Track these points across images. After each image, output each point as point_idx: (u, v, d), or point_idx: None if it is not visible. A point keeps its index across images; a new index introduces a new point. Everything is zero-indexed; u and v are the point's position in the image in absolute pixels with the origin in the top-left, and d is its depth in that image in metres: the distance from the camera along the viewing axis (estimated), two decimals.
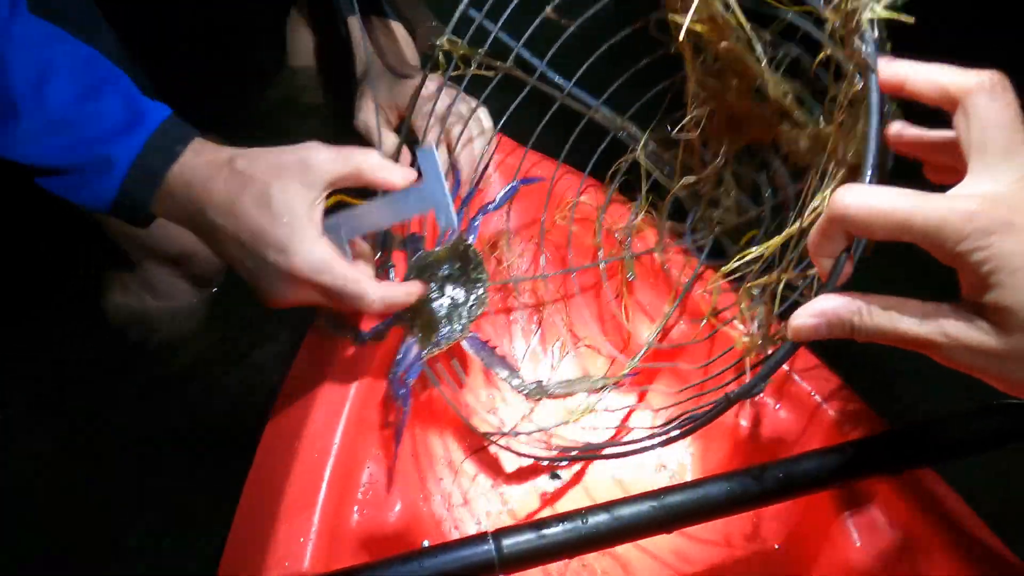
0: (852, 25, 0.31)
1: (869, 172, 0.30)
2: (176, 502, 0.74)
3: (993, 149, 0.27)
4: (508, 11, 0.54)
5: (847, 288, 0.30)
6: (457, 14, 0.54)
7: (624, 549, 0.52)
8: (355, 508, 0.52)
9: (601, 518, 0.42)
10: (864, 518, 0.50)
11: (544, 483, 0.60)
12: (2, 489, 0.76)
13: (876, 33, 0.30)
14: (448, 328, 0.52)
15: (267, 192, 0.44)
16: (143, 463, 0.77)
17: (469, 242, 0.55)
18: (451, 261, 0.54)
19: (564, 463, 0.58)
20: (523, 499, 0.59)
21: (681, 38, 0.46)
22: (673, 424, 0.44)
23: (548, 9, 0.54)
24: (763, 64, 0.41)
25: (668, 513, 0.42)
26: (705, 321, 0.55)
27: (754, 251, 0.40)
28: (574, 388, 0.54)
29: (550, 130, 0.62)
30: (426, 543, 0.45)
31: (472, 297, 0.53)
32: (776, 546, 0.56)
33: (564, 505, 0.47)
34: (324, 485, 0.49)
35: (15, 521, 0.74)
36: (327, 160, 0.45)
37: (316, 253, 0.44)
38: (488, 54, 0.57)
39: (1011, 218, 0.25)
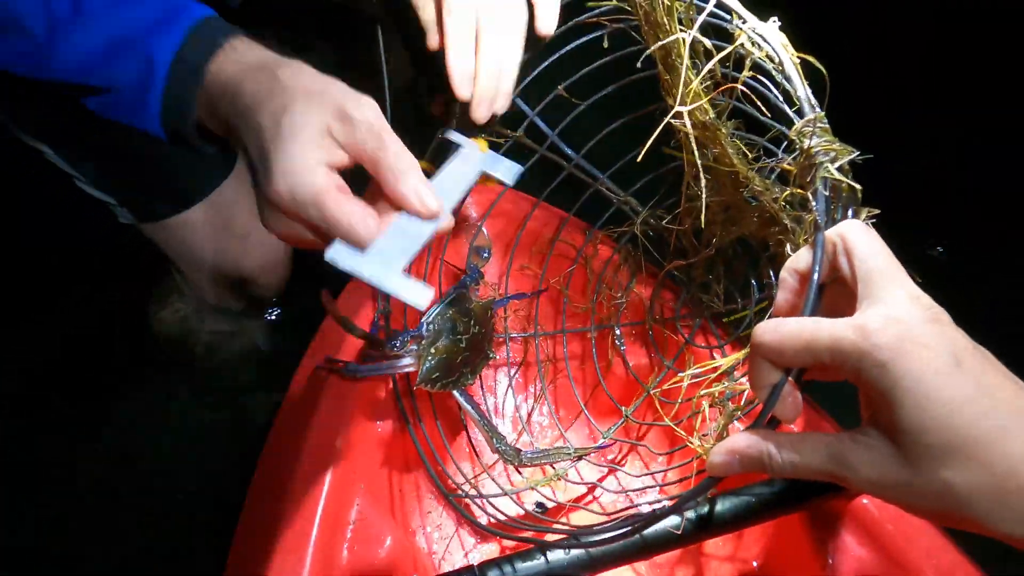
0: (807, 180, 0.33)
1: (808, 310, 0.31)
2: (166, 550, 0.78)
3: (880, 275, 0.28)
4: (526, 81, 0.59)
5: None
6: None
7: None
8: (345, 545, 0.54)
9: (584, 546, 0.44)
10: (837, 539, 0.53)
11: (529, 511, 0.63)
12: None
13: (827, 191, 0.32)
14: (448, 376, 0.55)
15: (289, 108, 0.39)
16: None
17: (493, 313, 0.60)
18: (479, 321, 0.58)
19: (507, 536, 0.59)
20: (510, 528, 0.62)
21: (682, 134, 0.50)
22: (618, 521, 0.45)
23: (560, 88, 0.60)
24: (749, 170, 0.45)
25: (652, 540, 0.45)
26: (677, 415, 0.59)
27: (719, 362, 0.45)
28: (548, 459, 0.58)
29: (552, 185, 0.68)
30: None
31: (479, 365, 0.58)
32: (755, 564, 0.59)
33: (550, 535, 0.49)
34: (316, 524, 0.51)
35: None
36: (363, 126, 0.39)
37: (305, 184, 0.38)
38: (501, 122, 0.61)
39: (907, 336, 0.26)
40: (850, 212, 0.40)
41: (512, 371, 0.70)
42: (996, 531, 0.26)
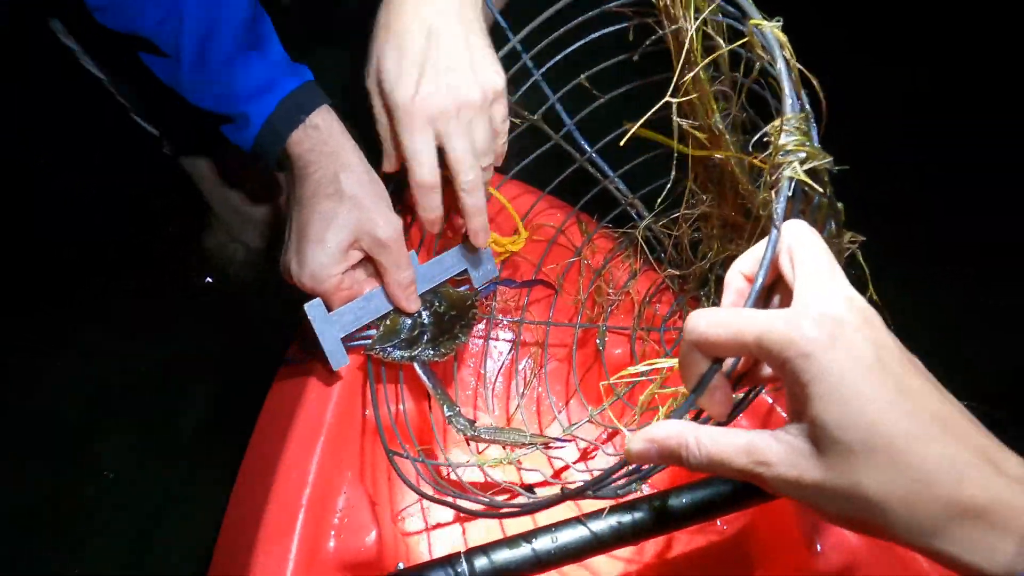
0: (773, 179, 0.33)
1: (749, 306, 0.30)
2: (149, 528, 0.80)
3: (818, 275, 0.28)
4: (550, 64, 0.61)
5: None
6: (504, 50, 0.61)
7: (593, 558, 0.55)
8: (332, 534, 0.56)
9: (570, 534, 0.46)
10: (824, 524, 0.54)
11: (519, 500, 0.64)
12: None
13: (791, 191, 0.32)
14: (408, 349, 0.59)
15: (334, 220, 0.54)
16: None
17: (474, 307, 0.62)
18: (450, 306, 0.61)
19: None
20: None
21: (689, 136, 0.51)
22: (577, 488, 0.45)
23: (582, 77, 0.62)
24: (747, 184, 0.46)
25: (635, 526, 0.46)
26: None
27: (667, 362, 0.46)
28: (501, 438, 0.59)
29: (560, 177, 0.70)
30: (401, 566, 0.49)
31: (445, 345, 0.60)
32: (740, 550, 0.60)
33: (539, 521, 0.50)
34: (302, 513, 0.53)
35: None
36: (377, 246, 0.56)
37: (319, 285, 0.56)
38: (518, 103, 0.64)
39: (836, 332, 0.26)
40: (832, 227, 0.39)
41: (504, 355, 0.72)
42: (904, 540, 0.26)
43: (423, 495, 0.52)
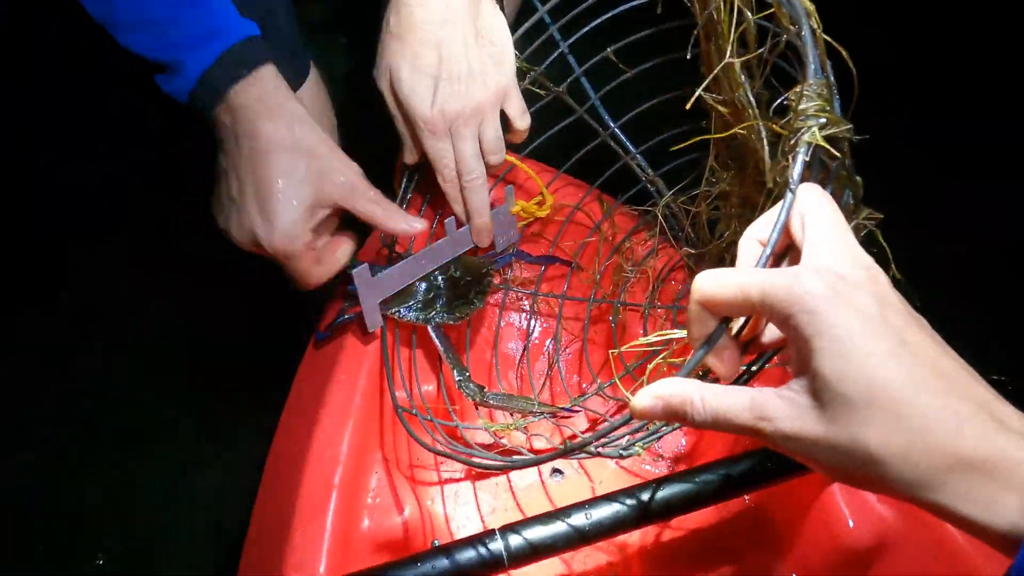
0: (791, 144, 0.33)
1: (759, 266, 0.31)
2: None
3: (827, 236, 0.29)
4: (577, 35, 0.62)
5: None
6: (532, 20, 0.63)
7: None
8: (365, 513, 0.57)
9: (604, 510, 0.47)
10: (857, 498, 0.55)
11: (547, 478, 0.66)
12: None
13: (808, 156, 0.32)
14: (423, 311, 0.61)
15: (293, 169, 0.53)
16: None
17: (489, 274, 0.64)
18: (466, 272, 0.63)
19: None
20: (528, 494, 0.65)
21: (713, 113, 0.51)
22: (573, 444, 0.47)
23: (609, 50, 0.62)
24: (767, 159, 0.46)
25: (666, 503, 0.47)
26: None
27: (676, 333, 0.48)
28: (510, 405, 0.60)
29: (582, 152, 0.70)
30: (436, 543, 0.49)
31: (459, 310, 0.62)
32: (770, 524, 0.61)
33: (569, 498, 0.51)
34: (335, 492, 0.54)
35: None
36: (347, 191, 0.55)
37: (288, 247, 0.54)
38: (544, 74, 0.64)
39: (840, 288, 0.27)
40: (849, 200, 0.39)
41: (517, 327, 0.73)
42: (903, 494, 0.27)
43: (431, 449, 0.54)
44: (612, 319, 0.70)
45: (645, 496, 0.47)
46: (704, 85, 0.45)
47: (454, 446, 0.55)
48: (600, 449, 0.47)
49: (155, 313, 0.91)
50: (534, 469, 0.65)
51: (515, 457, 0.50)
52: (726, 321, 0.31)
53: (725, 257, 0.64)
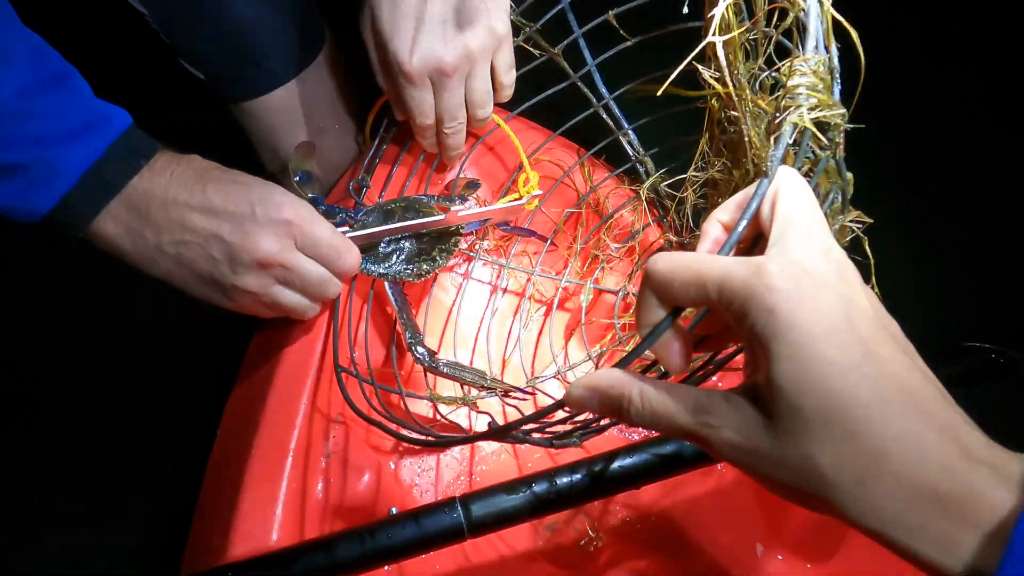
0: (775, 123, 0.31)
1: (724, 253, 0.28)
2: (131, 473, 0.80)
3: (797, 225, 0.27)
4: None
5: None
6: None
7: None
8: (321, 477, 0.56)
9: (569, 478, 0.46)
10: None
11: (515, 446, 0.66)
12: None
13: (792, 139, 0.30)
14: (382, 264, 0.60)
15: (265, 186, 0.52)
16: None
17: (457, 233, 0.63)
18: (435, 232, 0.62)
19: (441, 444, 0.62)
20: (495, 460, 0.65)
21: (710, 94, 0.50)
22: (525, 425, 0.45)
23: (610, 14, 0.61)
24: (760, 147, 0.45)
25: (635, 470, 0.47)
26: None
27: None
28: (460, 375, 0.59)
29: (572, 122, 0.69)
30: (394, 510, 0.49)
31: (420, 267, 0.61)
32: (750, 492, 0.61)
33: (538, 465, 0.51)
34: (290, 456, 0.53)
35: None
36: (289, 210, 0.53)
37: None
38: (539, 31, 0.63)
39: (805, 286, 0.25)
40: (836, 198, 0.37)
41: (481, 298, 0.72)
42: (856, 523, 0.25)
43: (361, 415, 0.52)
44: (583, 300, 0.69)
45: (614, 464, 0.46)
46: (692, 57, 0.42)
47: (390, 415, 0.53)
48: (531, 436, 0.45)
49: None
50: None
51: (443, 435, 0.49)
52: (678, 311, 0.28)
53: None
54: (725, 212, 0.31)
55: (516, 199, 0.67)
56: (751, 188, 0.29)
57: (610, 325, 0.69)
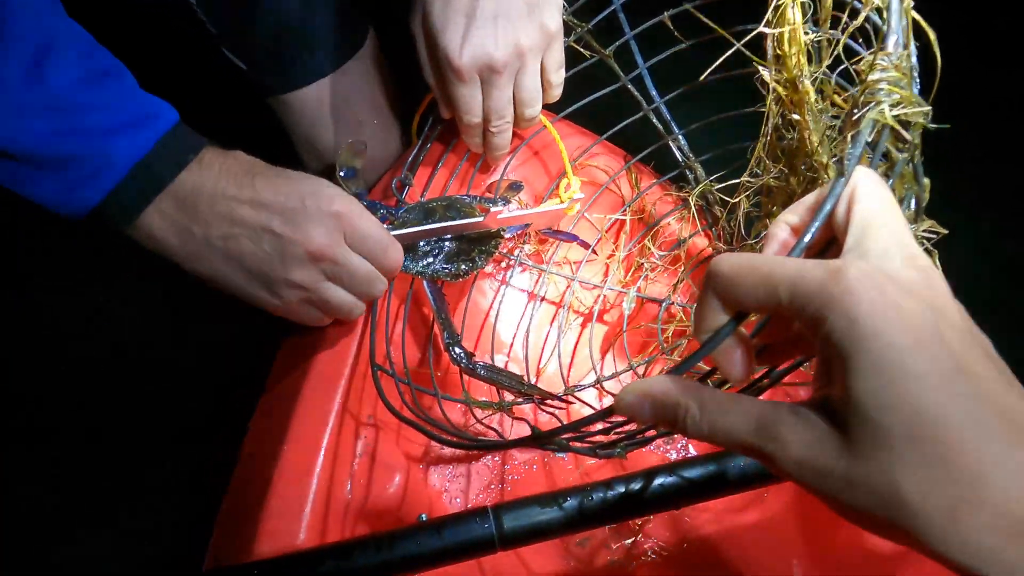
0: (852, 120, 0.29)
1: (798, 251, 0.26)
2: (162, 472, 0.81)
3: (878, 227, 0.25)
4: None
5: None
6: None
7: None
8: (349, 479, 0.55)
9: (604, 494, 0.45)
10: None
11: (548, 455, 0.64)
12: None
13: (872, 137, 0.28)
14: (420, 261, 0.60)
15: (314, 180, 0.52)
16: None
17: (502, 234, 0.62)
18: (476, 234, 0.62)
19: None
20: (526, 469, 0.63)
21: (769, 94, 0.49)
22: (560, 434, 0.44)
23: (666, 15, 0.59)
24: (827, 160, 0.43)
25: (675, 491, 0.45)
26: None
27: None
28: (498, 379, 0.57)
29: (620, 125, 0.67)
30: (423, 517, 0.49)
31: (460, 267, 0.61)
32: (789, 517, 0.59)
33: (569, 476, 0.49)
34: (321, 452, 0.52)
35: None
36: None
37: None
38: (591, 32, 0.62)
39: (889, 293, 0.23)
40: (909, 205, 0.35)
41: (521, 302, 0.71)
42: (941, 557, 0.22)
43: (396, 414, 0.51)
44: (626, 308, 0.67)
45: (655, 482, 0.45)
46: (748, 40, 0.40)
47: (426, 417, 0.52)
48: (573, 443, 0.44)
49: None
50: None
51: (481, 439, 0.47)
52: (741, 316, 0.26)
53: None
54: (794, 214, 0.30)
55: (557, 204, 0.66)
56: (824, 189, 0.28)
57: (652, 336, 0.67)
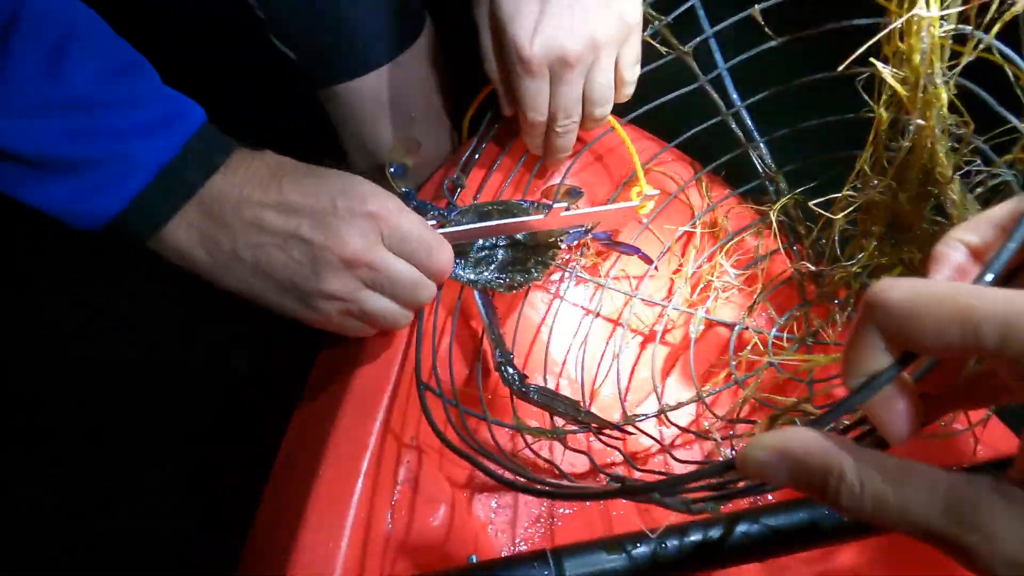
0: None
1: (995, 267, 0.22)
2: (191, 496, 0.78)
3: None
4: None
5: None
6: None
7: None
8: (390, 509, 0.51)
9: (679, 542, 0.41)
10: None
11: (558, 482, 0.58)
12: None
13: None
14: (472, 270, 0.56)
15: (345, 177, 0.47)
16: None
17: (559, 243, 0.58)
18: (530, 235, 0.57)
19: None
20: (579, 505, 0.58)
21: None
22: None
23: (755, 8, 0.54)
24: (951, 174, 0.37)
25: (762, 538, 0.41)
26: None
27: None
28: (551, 404, 0.53)
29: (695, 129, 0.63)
30: (473, 558, 0.44)
31: (514, 278, 0.56)
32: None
33: (629, 514, 0.46)
34: (360, 477, 0.47)
35: None
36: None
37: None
38: (670, 26, 0.58)
39: None
40: None
41: (577, 318, 0.66)
42: None
43: (443, 440, 0.47)
44: (693, 330, 0.61)
45: (737, 530, 0.40)
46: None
47: (478, 445, 0.47)
48: (666, 500, 0.38)
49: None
50: (586, 474, 0.58)
51: (552, 482, 0.42)
52: (908, 358, 0.21)
53: (852, 284, 0.55)
54: (972, 232, 0.25)
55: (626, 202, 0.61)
56: (1014, 202, 0.23)
57: (722, 363, 0.62)
